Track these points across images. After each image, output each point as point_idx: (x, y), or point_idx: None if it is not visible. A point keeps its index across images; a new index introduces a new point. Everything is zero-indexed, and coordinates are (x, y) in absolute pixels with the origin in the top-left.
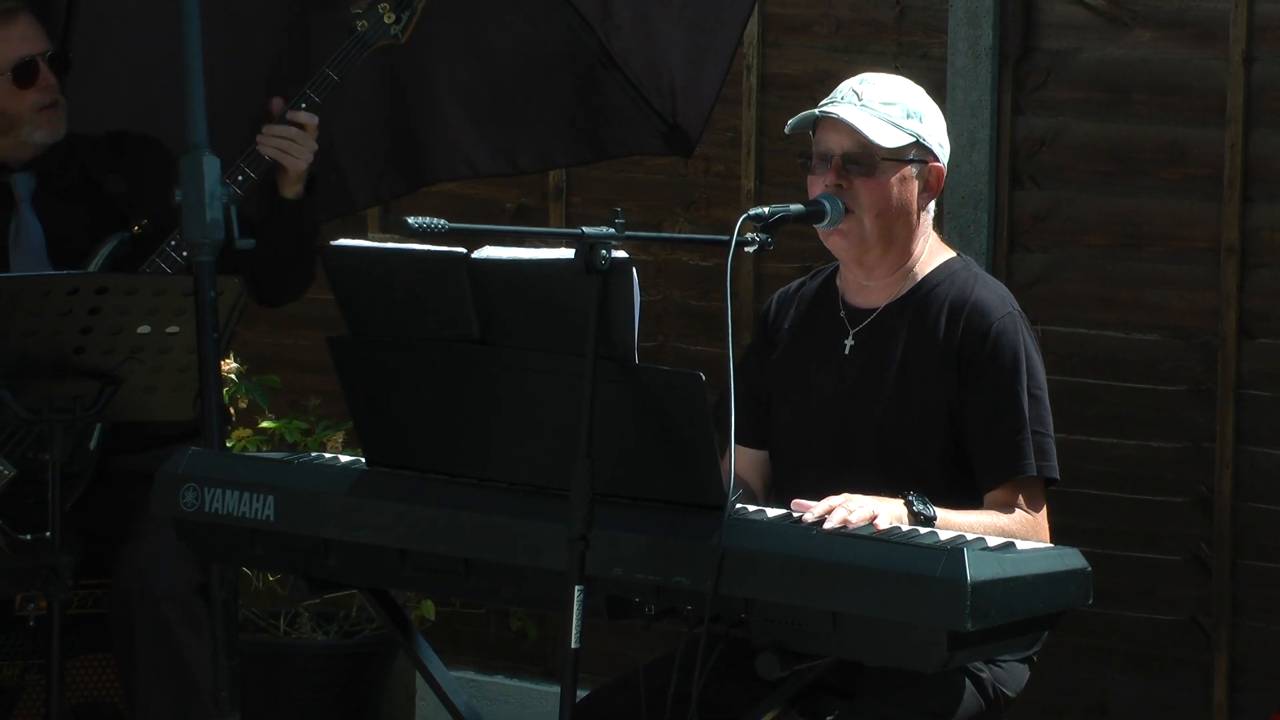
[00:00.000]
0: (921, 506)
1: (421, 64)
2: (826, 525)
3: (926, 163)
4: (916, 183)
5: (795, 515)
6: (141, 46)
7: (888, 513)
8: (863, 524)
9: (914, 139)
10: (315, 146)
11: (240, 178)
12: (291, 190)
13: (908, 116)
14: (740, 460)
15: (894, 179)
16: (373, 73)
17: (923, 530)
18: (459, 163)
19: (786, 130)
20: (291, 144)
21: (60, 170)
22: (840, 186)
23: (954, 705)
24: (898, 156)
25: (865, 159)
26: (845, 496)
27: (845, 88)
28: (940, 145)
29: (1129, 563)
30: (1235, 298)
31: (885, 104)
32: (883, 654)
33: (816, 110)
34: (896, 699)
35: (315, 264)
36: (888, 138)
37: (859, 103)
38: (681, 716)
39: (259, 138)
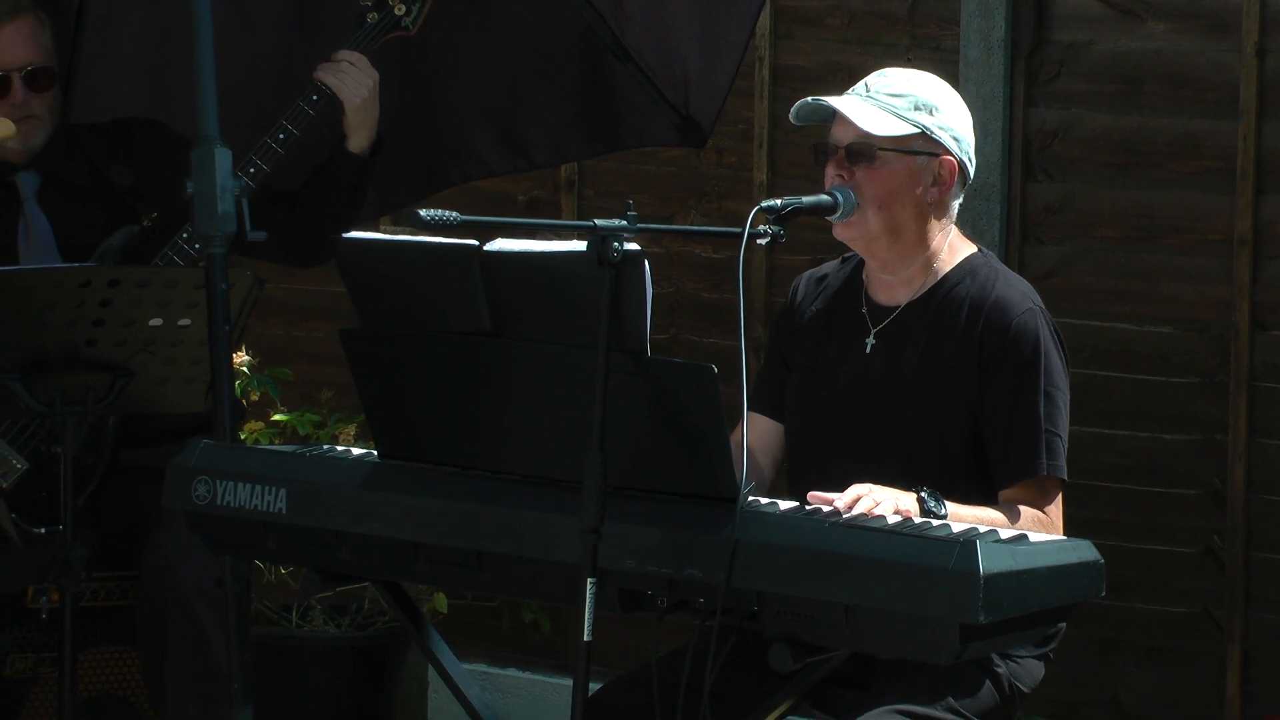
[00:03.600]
0: (934, 505)
1: (433, 62)
2: (855, 511)
3: (936, 155)
4: (924, 175)
5: (810, 508)
6: (152, 39)
7: (904, 508)
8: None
9: (919, 130)
10: (372, 80)
11: (252, 170)
12: (357, 144)
13: (916, 109)
14: (756, 429)
15: (897, 170)
16: (384, 73)
17: (935, 522)
18: (473, 164)
19: (791, 119)
20: (343, 74)
21: (65, 166)
22: (842, 177)
23: (968, 699)
24: (899, 147)
25: (864, 149)
26: (869, 487)
27: (862, 81)
28: (955, 139)
29: (1141, 555)
30: (1248, 290)
31: (893, 95)
32: (895, 646)
33: (810, 99)
34: (910, 692)
35: (355, 223)
36: (886, 127)
37: (866, 94)
38: (694, 709)
39: (316, 71)
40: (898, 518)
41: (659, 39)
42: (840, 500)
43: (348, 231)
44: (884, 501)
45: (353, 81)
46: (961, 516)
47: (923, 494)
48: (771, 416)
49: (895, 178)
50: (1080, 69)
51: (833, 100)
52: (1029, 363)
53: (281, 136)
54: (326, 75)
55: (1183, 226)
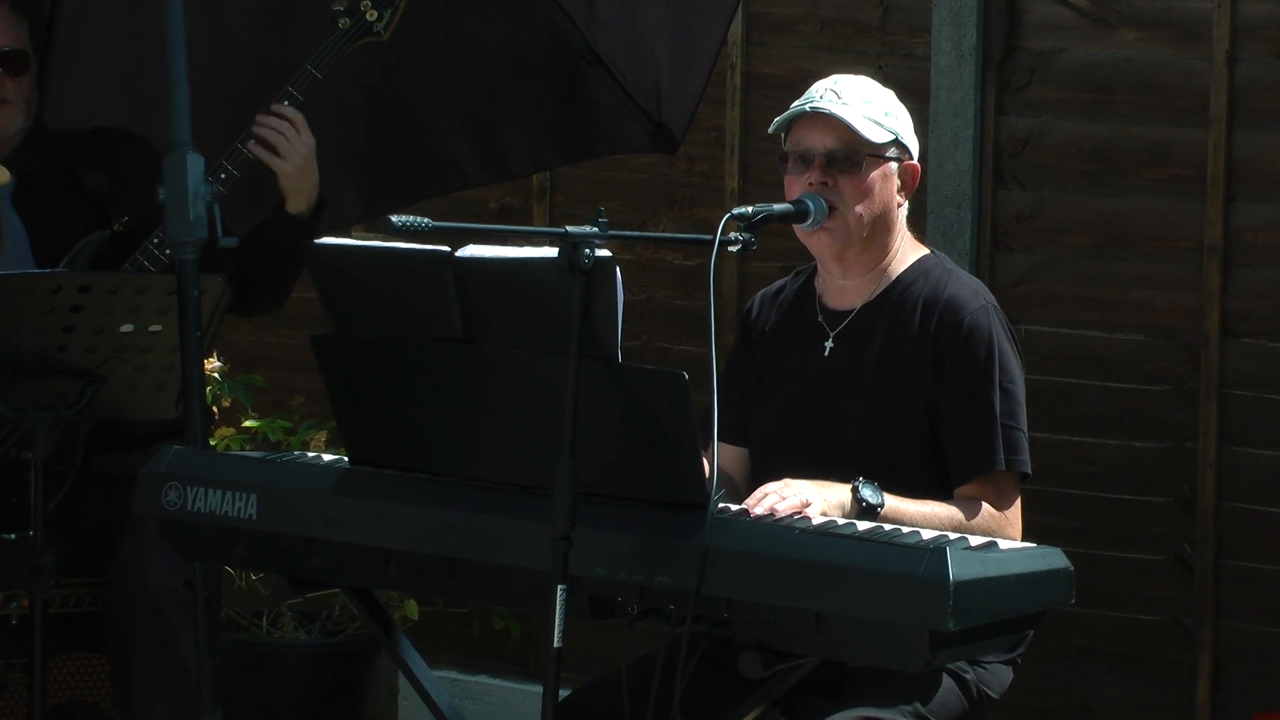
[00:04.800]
0: (869, 493)
1: (408, 71)
2: (756, 511)
3: (902, 161)
4: (896, 181)
5: (779, 515)
6: (125, 42)
7: (826, 499)
8: (791, 513)
9: (894, 136)
10: (305, 146)
11: (223, 175)
12: (294, 206)
13: (886, 115)
14: (724, 456)
15: (875, 175)
16: (361, 83)
17: (905, 529)
18: (451, 175)
19: (772, 130)
20: (278, 137)
21: (42, 168)
22: (825, 184)
23: (938, 706)
24: (881, 153)
25: (851, 156)
26: (784, 482)
27: (821, 87)
28: (914, 144)
29: (1112, 563)
30: (1218, 297)
31: (865, 102)
32: (865, 654)
33: (808, 107)
34: (880, 699)
35: (295, 282)
36: (874, 133)
37: (840, 101)
38: (664, 716)
39: (244, 137)
40: (869, 524)
41: (631, 46)
42: (748, 501)
43: (284, 289)
44: (790, 499)
45: (285, 148)
46: (901, 510)
47: (858, 483)
48: (734, 443)
49: (875, 183)
50: (1051, 77)
51: (830, 107)
52: (984, 360)
53: (253, 141)
54: (257, 142)
55: (1153, 234)
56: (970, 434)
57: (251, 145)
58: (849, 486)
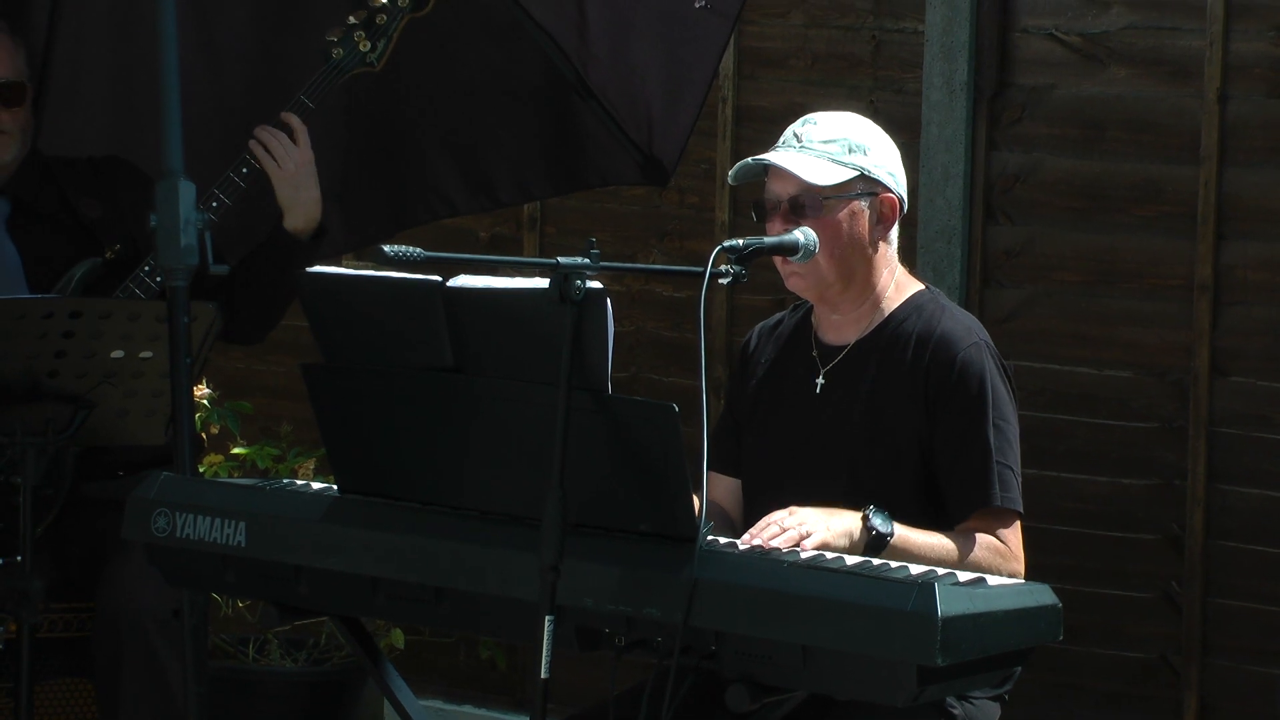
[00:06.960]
0: (880, 522)
1: (399, 100)
2: (775, 543)
3: (876, 194)
4: (868, 215)
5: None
6: (120, 71)
7: (831, 528)
8: (787, 545)
9: (857, 173)
10: (301, 155)
11: (215, 204)
12: (291, 223)
13: (850, 151)
14: (720, 488)
15: (842, 216)
16: (350, 111)
17: (894, 564)
18: (439, 203)
19: (730, 181)
20: (273, 140)
21: (37, 194)
22: (789, 231)
23: None
24: (841, 194)
25: (809, 201)
26: (790, 510)
27: (789, 131)
28: (890, 175)
29: (1099, 600)
30: (1208, 335)
31: (825, 142)
32: (852, 688)
33: (750, 159)
34: None
35: (285, 309)
36: (826, 176)
37: (799, 145)
38: None
39: (238, 162)
40: (857, 558)
41: (623, 78)
42: (763, 534)
43: (276, 313)
44: (807, 522)
45: (279, 151)
46: (909, 539)
47: (869, 512)
48: (731, 474)
49: (842, 224)
50: (1042, 113)
51: (771, 157)
52: (976, 396)
53: (245, 171)
54: (256, 143)
55: (1143, 271)
56: (966, 470)
57: (252, 145)
58: (859, 515)
